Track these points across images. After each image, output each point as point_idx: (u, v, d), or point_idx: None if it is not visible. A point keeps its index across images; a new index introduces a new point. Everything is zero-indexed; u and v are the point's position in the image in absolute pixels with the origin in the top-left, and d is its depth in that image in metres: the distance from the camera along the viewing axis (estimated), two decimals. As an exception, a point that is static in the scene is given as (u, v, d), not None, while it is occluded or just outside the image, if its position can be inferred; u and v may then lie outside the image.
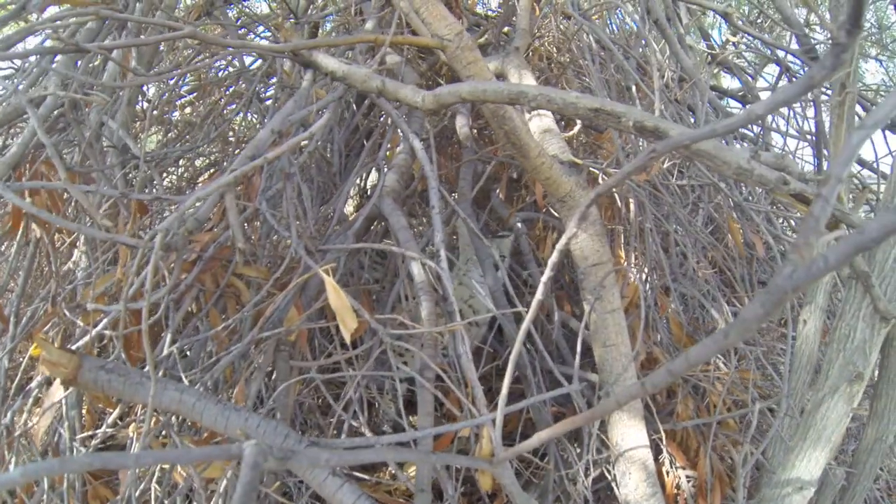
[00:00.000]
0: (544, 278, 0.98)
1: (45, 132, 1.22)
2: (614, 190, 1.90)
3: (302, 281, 1.40)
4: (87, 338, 1.37)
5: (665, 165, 2.13)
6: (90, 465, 0.63)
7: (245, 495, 0.68)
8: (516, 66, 1.85)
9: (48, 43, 1.61)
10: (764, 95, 2.60)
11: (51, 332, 1.69)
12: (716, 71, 3.21)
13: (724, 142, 2.17)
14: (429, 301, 1.47)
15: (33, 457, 1.52)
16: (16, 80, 1.50)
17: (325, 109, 1.51)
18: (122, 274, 1.43)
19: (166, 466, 1.47)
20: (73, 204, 1.98)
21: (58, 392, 1.51)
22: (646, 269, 1.90)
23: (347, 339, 1.25)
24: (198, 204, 1.16)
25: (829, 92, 1.70)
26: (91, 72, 1.72)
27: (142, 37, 1.67)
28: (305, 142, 1.47)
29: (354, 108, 2.45)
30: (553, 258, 0.94)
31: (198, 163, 2.68)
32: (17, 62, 1.82)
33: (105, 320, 1.40)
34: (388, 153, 2.01)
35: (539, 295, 1.01)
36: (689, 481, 1.86)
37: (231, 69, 2.50)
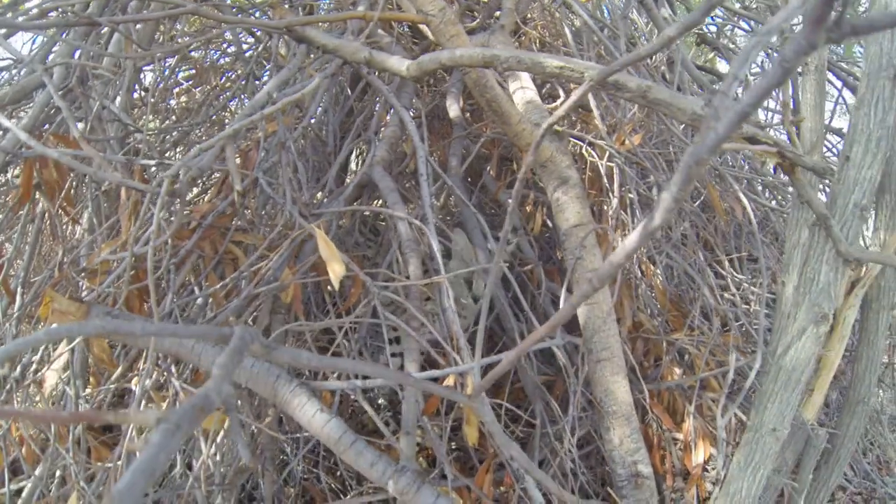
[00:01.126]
0: (511, 208, 1.13)
1: (60, 98, 1.39)
2: (600, 163, 2.05)
3: (296, 235, 1.56)
4: (93, 293, 1.53)
5: (653, 142, 2.29)
6: (103, 328, 0.78)
7: (229, 361, 0.83)
8: (501, 41, 2.02)
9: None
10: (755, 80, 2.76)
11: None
12: (711, 56, 3.38)
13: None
14: (415, 257, 1.62)
15: (40, 404, 1.68)
16: (31, 52, 1.67)
17: (316, 81, 1.68)
18: (127, 234, 1.60)
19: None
20: (75, 179, 2.16)
21: (61, 347, 1.68)
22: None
23: (335, 285, 1.41)
24: (200, 155, 1.32)
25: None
26: (97, 48, 1.90)
27: (145, 13, 1.85)
28: (294, 117, 1.63)
29: (349, 91, 2.63)
30: (517, 186, 1.10)
31: (193, 151, 2.85)
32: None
33: (111, 276, 1.57)
34: (379, 130, 2.18)
35: (507, 225, 1.16)
36: (675, 443, 2.00)
37: (228, 53, 2.68)
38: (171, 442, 0.55)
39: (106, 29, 1.94)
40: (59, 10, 1.77)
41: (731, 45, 3.08)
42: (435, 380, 1.65)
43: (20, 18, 1.92)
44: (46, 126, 1.94)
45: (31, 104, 2.04)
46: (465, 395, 1.31)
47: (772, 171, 2.50)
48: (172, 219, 1.44)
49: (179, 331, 0.88)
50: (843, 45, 3.25)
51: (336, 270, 1.43)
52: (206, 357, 1.43)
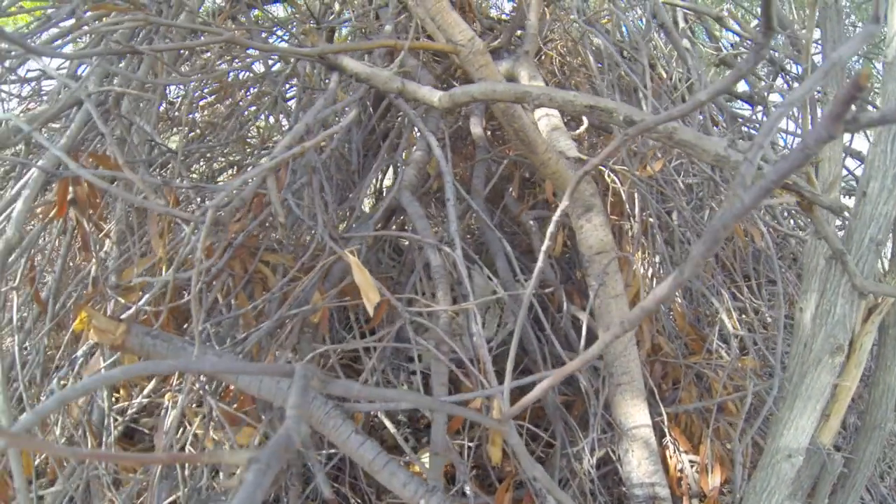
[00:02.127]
0: (543, 248, 1.23)
1: (101, 121, 1.50)
2: (621, 188, 2.15)
3: (328, 262, 1.66)
4: (132, 310, 1.63)
5: (672, 164, 2.39)
6: (174, 367, 0.88)
7: (301, 401, 0.93)
8: (526, 68, 2.12)
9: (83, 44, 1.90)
10: (773, 97, 2.87)
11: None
12: (726, 73, 3.47)
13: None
14: (444, 283, 1.72)
15: (74, 420, 1.78)
16: (79, 69, 1.78)
17: (349, 107, 1.78)
18: (164, 253, 1.70)
19: (200, 431, 1.73)
20: (106, 201, 2.27)
21: (98, 362, 1.78)
22: (650, 262, 2.15)
23: (371, 311, 1.51)
24: (241, 186, 1.42)
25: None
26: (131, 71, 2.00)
27: (173, 41, 1.95)
28: (325, 141, 1.74)
29: (371, 111, 2.73)
30: (551, 228, 1.20)
31: (215, 165, 2.96)
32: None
33: (148, 295, 1.67)
34: (405, 153, 2.29)
35: (540, 263, 1.26)
36: (692, 466, 2.09)
37: (253, 72, 2.79)
38: (264, 480, 0.65)
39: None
40: (93, 35, 1.88)
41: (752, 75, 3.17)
42: (463, 402, 1.75)
43: (56, 41, 2.04)
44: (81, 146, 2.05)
45: (62, 123, 2.16)
46: (495, 421, 1.41)
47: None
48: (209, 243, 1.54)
49: (245, 367, 0.98)
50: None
51: (371, 298, 1.53)
52: (244, 378, 1.53)
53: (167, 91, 2.78)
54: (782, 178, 0.73)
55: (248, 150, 2.78)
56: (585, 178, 1.89)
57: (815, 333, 1.64)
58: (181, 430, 1.82)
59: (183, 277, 1.44)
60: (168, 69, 2.04)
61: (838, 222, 2.25)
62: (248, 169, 1.77)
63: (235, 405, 1.79)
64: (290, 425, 0.74)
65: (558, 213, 1.18)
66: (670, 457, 2.08)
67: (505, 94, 1.57)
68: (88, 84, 1.78)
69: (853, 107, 0.65)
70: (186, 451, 1.73)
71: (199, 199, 2.22)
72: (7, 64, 1.68)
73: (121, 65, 1.89)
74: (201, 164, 2.73)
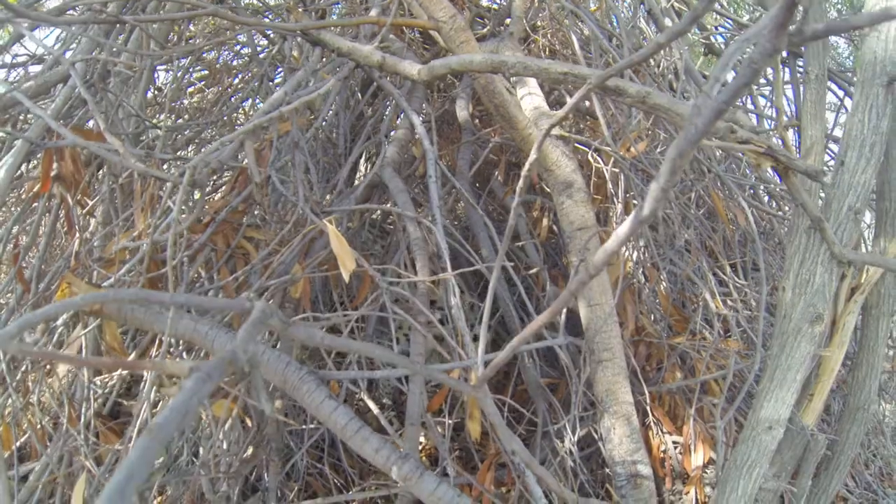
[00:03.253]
0: (515, 203, 1.25)
1: (85, 90, 1.52)
2: (605, 168, 2.17)
3: (307, 231, 1.68)
4: (112, 279, 1.65)
5: (658, 150, 2.41)
6: (136, 295, 0.89)
7: (253, 327, 0.94)
8: (510, 48, 2.15)
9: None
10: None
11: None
12: (714, 61, 3.50)
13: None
14: (422, 255, 1.74)
15: (53, 389, 1.79)
16: (57, 47, 1.81)
17: (330, 83, 1.80)
18: (145, 225, 1.72)
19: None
20: (90, 173, 2.29)
21: (78, 331, 1.79)
22: (634, 245, 2.16)
23: (346, 278, 1.52)
24: (220, 148, 1.44)
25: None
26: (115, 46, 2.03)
27: (167, 13, 1.98)
28: (306, 110, 1.75)
29: (359, 95, 2.76)
30: (520, 184, 1.21)
31: (214, 144, 2.98)
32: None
33: (127, 265, 1.68)
34: (389, 133, 2.31)
35: (511, 220, 1.27)
36: (675, 447, 2.10)
37: (241, 55, 2.82)
38: (203, 388, 0.66)
39: (125, 28, 2.08)
40: (82, 7, 1.91)
41: (739, 57, 3.19)
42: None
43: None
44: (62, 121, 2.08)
45: (48, 99, 2.18)
46: (469, 386, 1.42)
47: (776, 177, 2.62)
48: (187, 213, 1.56)
49: (205, 302, 0.99)
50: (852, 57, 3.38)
51: (347, 265, 1.55)
52: (220, 342, 1.55)
53: (155, 77, 2.82)
54: (734, 97, 0.75)
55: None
56: (566, 154, 1.91)
57: (794, 304, 1.65)
58: (160, 403, 1.83)
59: (161, 240, 1.46)
60: (155, 48, 2.07)
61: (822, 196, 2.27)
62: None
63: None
64: (237, 344, 0.76)
65: (523, 176, 1.20)
66: (653, 437, 2.09)
67: (482, 65, 1.59)
68: (75, 55, 1.81)
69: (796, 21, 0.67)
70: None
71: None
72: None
73: (108, 39, 1.91)
74: (189, 149, 2.76)
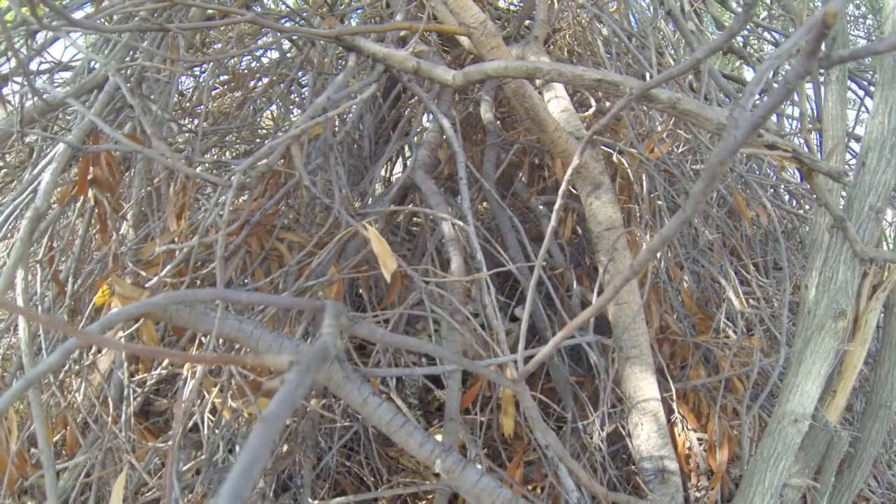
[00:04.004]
0: (556, 205, 1.35)
1: (129, 93, 1.63)
2: (629, 169, 2.27)
3: (344, 234, 1.78)
4: (154, 280, 1.75)
5: (680, 150, 2.51)
6: (213, 295, 0.99)
7: (335, 322, 1.04)
8: (535, 52, 2.25)
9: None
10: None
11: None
12: (738, 64, 3.61)
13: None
14: (457, 254, 1.84)
15: (93, 387, 1.90)
16: (103, 52, 1.91)
17: (366, 88, 1.91)
18: (185, 226, 1.83)
19: (218, 400, 1.84)
20: (125, 181, 2.40)
21: (118, 334, 1.90)
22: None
23: (388, 278, 1.62)
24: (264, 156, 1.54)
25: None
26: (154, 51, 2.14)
27: (198, 20, 2.09)
28: (345, 113, 1.86)
29: (381, 100, 2.87)
30: (563, 187, 1.32)
31: (228, 154, 3.10)
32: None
33: (169, 266, 1.79)
34: (417, 137, 2.42)
35: (553, 222, 1.38)
36: (700, 443, 2.20)
37: (262, 63, 2.93)
38: (304, 380, 0.77)
39: (157, 33, 2.19)
40: (119, 14, 2.02)
41: (757, 55, 3.31)
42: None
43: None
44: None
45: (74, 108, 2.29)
46: (510, 380, 1.52)
47: (798, 178, 2.73)
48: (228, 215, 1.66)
49: (278, 300, 1.09)
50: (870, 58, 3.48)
51: (388, 265, 1.65)
52: (265, 342, 1.65)
53: (179, 82, 2.93)
54: (769, 112, 0.86)
55: (259, 140, 2.92)
56: (594, 156, 2.02)
57: (818, 300, 1.75)
58: (200, 401, 1.93)
59: (208, 241, 1.56)
60: (185, 53, 2.17)
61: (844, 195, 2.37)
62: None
63: (253, 377, 1.90)
64: (326, 338, 0.86)
65: (565, 181, 1.30)
66: (679, 434, 2.19)
67: (517, 71, 1.70)
68: (111, 60, 1.92)
69: (824, 46, 0.78)
70: (205, 419, 1.84)
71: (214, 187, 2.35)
72: (39, 42, 1.81)
73: (142, 44, 2.02)
74: (213, 153, 2.86)
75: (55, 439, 2.17)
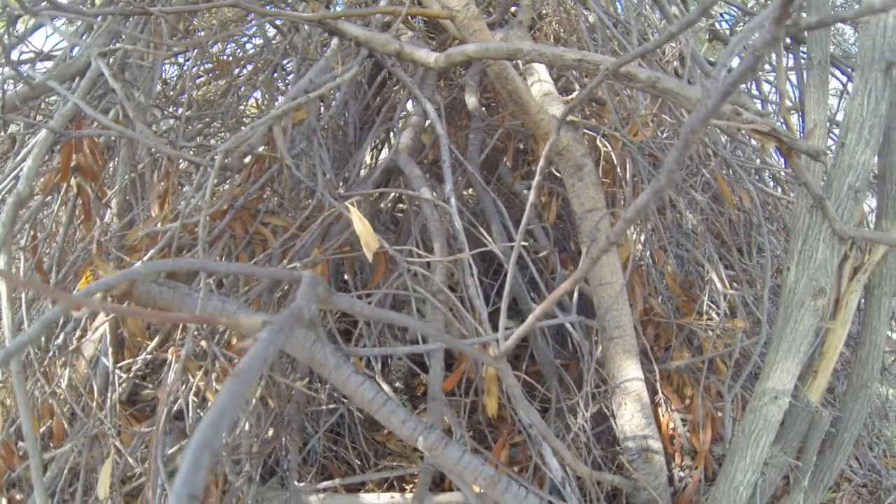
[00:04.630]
0: (535, 181, 1.37)
1: (112, 78, 1.63)
2: (613, 153, 2.29)
3: (327, 215, 1.80)
4: (137, 264, 1.76)
5: (664, 134, 2.54)
6: (194, 265, 1.01)
7: (311, 289, 1.06)
8: (519, 37, 2.27)
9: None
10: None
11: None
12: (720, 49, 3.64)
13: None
14: (440, 236, 1.86)
15: (79, 373, 1.91)
16: (84, 37, 1.92)
17: (349, 71, 1.92)
18: (168, 211, 1.83)
19: (202, 384, 1.85)
20: (108, 169, 2.41)
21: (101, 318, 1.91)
22: (642, 228, 2.29)
23: (370, 258, 1.64)
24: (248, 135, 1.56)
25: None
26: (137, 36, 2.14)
27: (184, 4, 2.09)
28: (329, 94, 1.87)
29: (366, 87, 2.88)
30: (541, 162, 1.34)
31: (213, 142, 3.10)
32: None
33: (154, 250, 1.80)
34: (401, 120, 2.43)
35: (532, 198, 1.40)
36: (684, 424, 2.23)
37: (245, 50, 2.94)
38: (277, 339, 0.78)
39: (140, 19, 2.19)
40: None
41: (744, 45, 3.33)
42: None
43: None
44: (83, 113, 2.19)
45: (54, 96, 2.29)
46: (490, 357, 1.54)
47: (782, 162, 2.75)
48: (210, 199, 1.67)
49: (257, 271, 1.11)
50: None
51: (370, 245, 1.66)
52: (278, 315, 1.66)
53: (162, 71, 2.93)
54: (738, 81, 0.88)
55: (243, 126, 2.92)
56: (577, 139, 2.04)
57: (798, 279, 1.78)
58: (184, 385, 1.94)
59: (191, 223, 1.57)
60: (169, 40, 2.18)
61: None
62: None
63: (237, 359, 1.91)
64: (301, 301, 0.88)
65: (543, 156, 1.32)
66: (663, 415, 2.22)
67: (498, 52, 1.71)
68: (93, 45, 1.92)
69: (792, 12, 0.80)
70: (189, 403, 1.86)
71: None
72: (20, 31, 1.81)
73: (126, 29, 2.02)
74: (197, 140, 2.87)
75: (42, 430, 2.17)
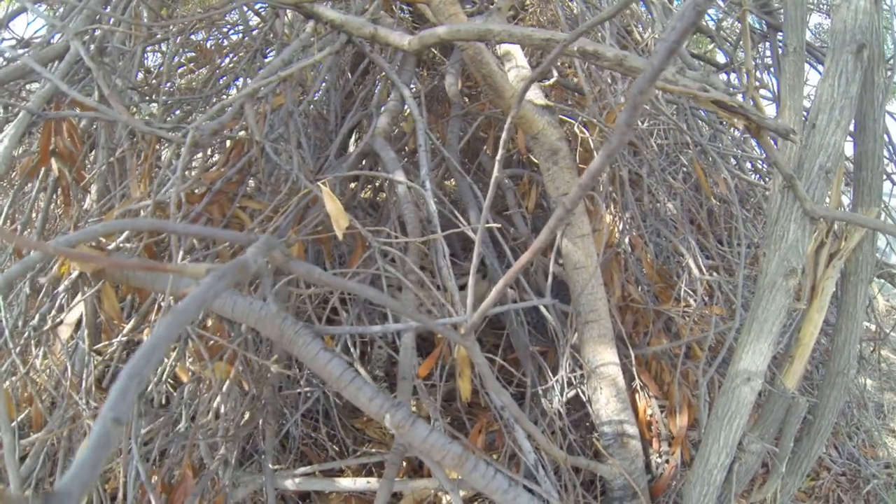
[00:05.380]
0: (503, 137, 1.37)
1: (88, 58, 1.64)
2: (591, 139, 2.30)
3: (302, 195, 1.80)
4: (112, 245, 1.77)
5: (644, 124, 2.54)
6: (154, 225, 1.01)
7: (263, 247, 1.06)
8: (497, 23, 2.27)
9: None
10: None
11: (71, 257, 2.08)
12: (711, 47, 3.65)
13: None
14: (412, 217, 1.86)
15: (55, 355, 1.91)
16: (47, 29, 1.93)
17: (328, 49, 1.93)
18: (144, 191, 1.84)
19: (177, 365, 1.86)
20: (89, 153, 2.41)
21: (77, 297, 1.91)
22: (620, 216, 2.30)
23: (340, 236, 1.64)
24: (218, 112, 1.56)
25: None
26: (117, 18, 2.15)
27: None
28: (305, 72, 1.88)
29: (349, 75, 2.89)
30: (504, 136, 1.34)
31: (215, 108, 3.10)
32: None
33: (126, 232, 1.80)
34: (378, 107, 2.44)
35: (496, 172, 1.40)
36: (661, 410, 2.23)
37: (227, 37, 2.95)
38: (218, 285, 0.78)
39: (121, 3, 2.20)
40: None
41: (729, 39, 3.35)
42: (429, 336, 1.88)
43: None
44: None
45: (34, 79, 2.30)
46: (458, 335, 1.54)
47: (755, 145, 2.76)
48: (188, 179, 1.68)
49: (214, 233, 1.11)
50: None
51: (340, 223, 1.67)
52: (219, 300, 1.66)
53: (146, 58, 2.94)
54: (682, 35, 0.88)
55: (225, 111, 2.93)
56: (552, 123, 2.05)
57: (770, 259, 1.79)
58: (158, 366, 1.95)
59: (164, 199, 1.58)
60: (150, 24, 2.19)
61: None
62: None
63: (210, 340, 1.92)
64: (249, 253, 0.88)
65: (508, 122, 1.32)
66: (640, 400, 2.22)
67: (469, 33, 1.72)
68: (75, 27, 1.93)
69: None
70: (163, 384, 1.86)
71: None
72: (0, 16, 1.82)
73: (105, 11, 2.03)
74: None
75: (21, 418, 2.18)
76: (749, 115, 1.54)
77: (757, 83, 1.62)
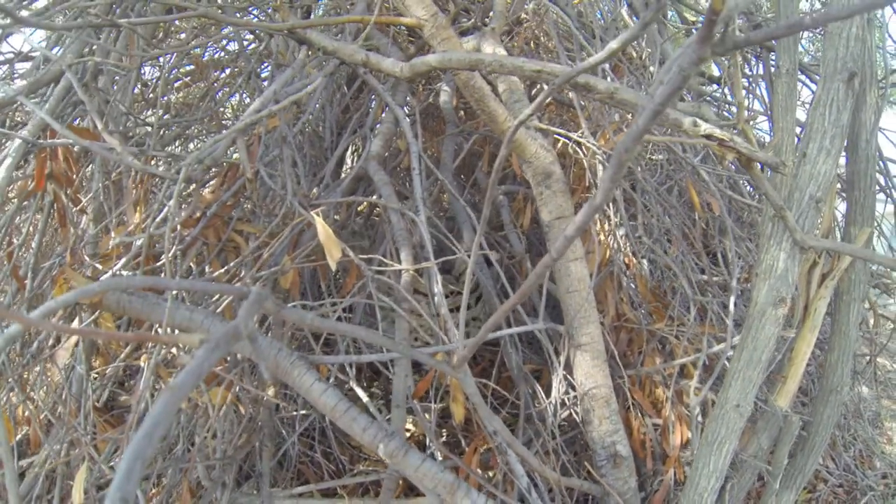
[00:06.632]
0: (491, 180, 1.40)
1: (81, 90, 1.66)
2: (584, 160, 2.32)
3: (296, 223, 1.83)
4: (109, 273, 1.80)
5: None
6: (145, 283, 1.04)
7: (252, 307, 1.09)
8: (491, 44, 2.29)
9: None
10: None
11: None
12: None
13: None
14: (406, 244, 1.89)
15: (52, 381, 1.94)
16: (54, 49, 1.95)
17: (313, 83, 1.95)
18: (140, 219, 1.87)
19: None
20: (82, 173, 2.44)
21: (75, 324, 1.94)
22: (613, 235, 2.32)
23: (332, 267, 1.67)
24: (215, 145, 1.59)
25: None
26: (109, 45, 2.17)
27: (150, 15, 2.12)
28: (295, 107, 1.90)
29: (345, 89, 2.91)
30: (496, 164, 1.36)
31: (191, 146, 3.13)
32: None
33: (123, 260, 1.83)
34: (372, 129, 2.46)
35: (489, 196, 1.43)
36: (655, 429, 2.26)
37: (227, 51, 2.96)
38: (212, 356, 0.81)
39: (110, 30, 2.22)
40: (72, 10, 2.06)
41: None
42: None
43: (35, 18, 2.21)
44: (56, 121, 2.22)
45: (38, 98, 2.32)
46: (450, 367, 1.57)
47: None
48: (183, 206, 1.70)
49: (206, 287, 1.14)
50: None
51: (333, 254, 1.70)
52: (216, 331, 1.69)
53: (142, 72, 2.96)
54: (667, 100, 0.90)
55: (222, 129, 2.96)
56: (545, 146, 2.07)
57: (760, 288, 1.81)
58: (157, 391, 1.98)
59: (158, 234, 1.61)
60: (144, 46, 2.21)
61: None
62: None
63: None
64: (239, 319, 0.91)
65: (498, 161, 1.35)
66: (634, 420, 2.25)
67: (460, 62, 1.74)
68: (67, 56, 1.95)
69: (718, 31, 0.82)
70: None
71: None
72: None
73: (98, 39, 2.05)
74: (176, 144, 2.90)
75: (19, 438, 2.21)
76: (738, 148, 1.56)
77: (748, 112, 1.64)
